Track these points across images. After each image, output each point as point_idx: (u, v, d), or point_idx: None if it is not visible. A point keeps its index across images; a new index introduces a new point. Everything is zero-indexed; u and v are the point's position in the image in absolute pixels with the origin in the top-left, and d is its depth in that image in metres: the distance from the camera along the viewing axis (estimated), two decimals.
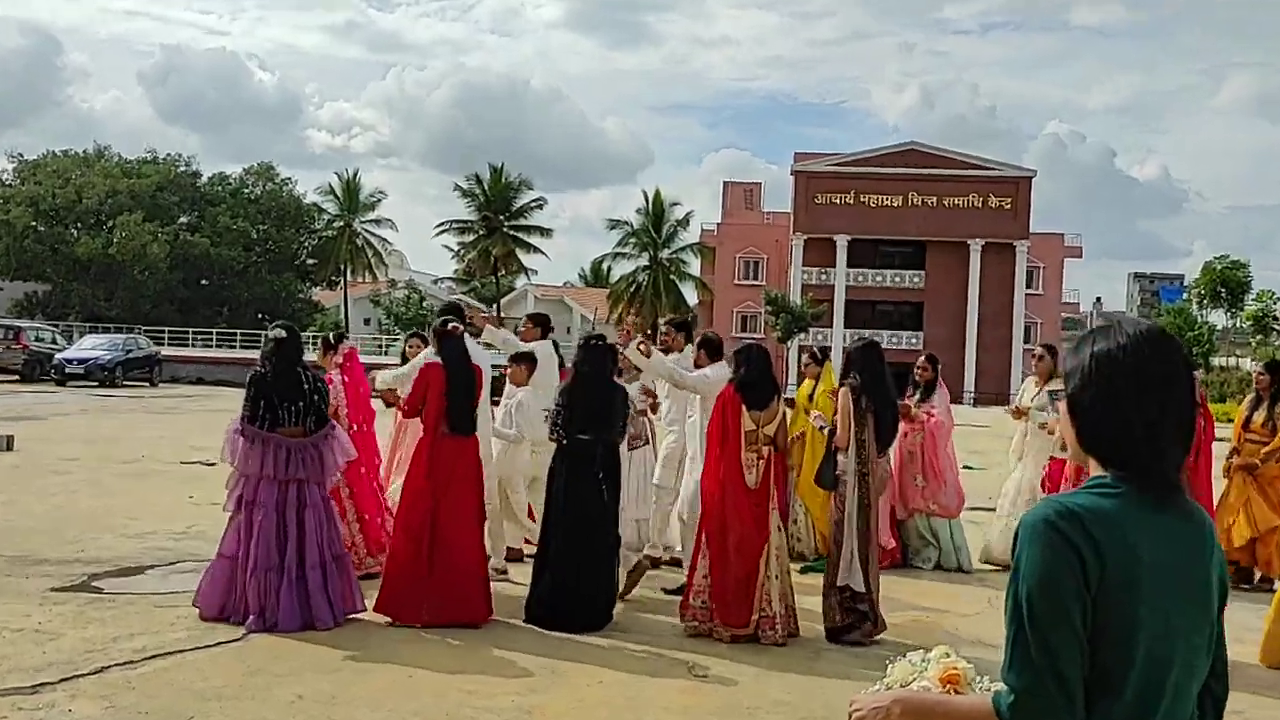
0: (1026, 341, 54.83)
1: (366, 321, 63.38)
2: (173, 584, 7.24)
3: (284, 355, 6.57)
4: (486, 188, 59.41)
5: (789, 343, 53.00)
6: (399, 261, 68.57)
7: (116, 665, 5.54)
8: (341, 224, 60.13)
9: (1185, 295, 60.91)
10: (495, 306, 61.64)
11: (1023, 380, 8.71)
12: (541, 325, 8.71)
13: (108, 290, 53.05)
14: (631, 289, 59.20)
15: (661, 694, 5.52)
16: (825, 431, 7.10)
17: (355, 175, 61.40)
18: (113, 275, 52.02)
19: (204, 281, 56.89)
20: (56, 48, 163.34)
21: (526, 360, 7.92)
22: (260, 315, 55.48)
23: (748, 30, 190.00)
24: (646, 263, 59.38)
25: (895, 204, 55.81)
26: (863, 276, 57.14)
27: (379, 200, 61.73)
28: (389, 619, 6.46)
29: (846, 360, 6.93)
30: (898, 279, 57.54)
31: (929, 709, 1.98)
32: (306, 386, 6.50)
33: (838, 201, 56.10)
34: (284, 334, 6.62)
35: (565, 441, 6.75)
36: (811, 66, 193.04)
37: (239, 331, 51.29)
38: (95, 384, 28.32)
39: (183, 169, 58.36)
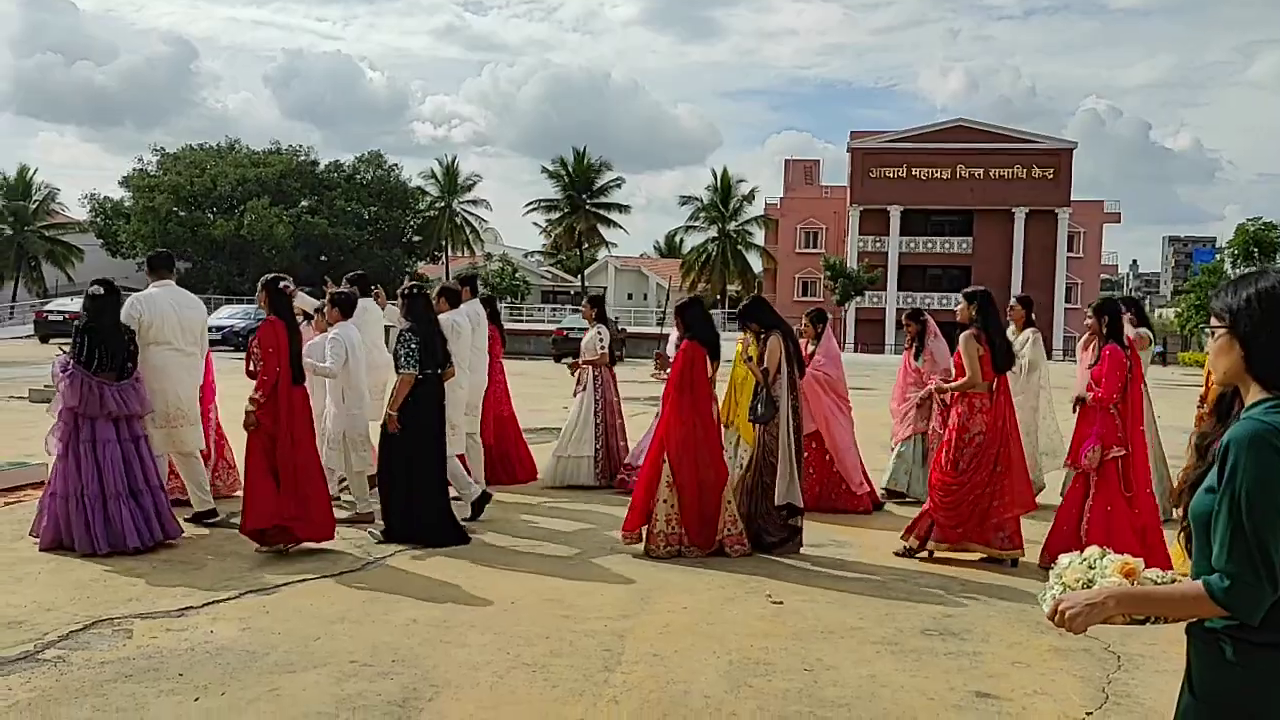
0: (1068, 301, 58.03)
1: None
2: None
3: (108, 309, 7.13)
4: (571, 170, 64.04)
5: (846, 305, 56.78)
6: (494, 238, 72.65)
7: (252, 592, 6.09)
8: (442, 205, 64.14)
9: (1218, 256, 61.94)
10: (580, 276, 66.70)
11: (1018, 331, 9.46)
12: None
13: (240, 267, 56.01)
14: (702, 259, 63.41)
15: (742, 619, 5.87)
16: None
17: (454, 161, 65.53)
18: (244, 254, 55.08)
19: (323, 258, 58.28)
20: (192, 54, 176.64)
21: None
22: (372, 286, 58.93)
23: (809, 21, 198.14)
24: (715, 235, 63.37)
25: (944, 176, 59.03)
26: (914, 244, 60.49)
27: (475, 183, 66.01)
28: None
29: (753, 313, 7.81)
30: (947, 245, 60.68)
31: (1144, 598, 2.22)
32: (126, 337, 7.16)
33: (891, 175, 59.65)
34: (102, 290, 7.13)
35: (421, 377, 7.58)
36: (866, 54, 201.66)
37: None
38: (231, 349, 28.85)
39: (303, 158, 61.33)
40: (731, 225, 63.53)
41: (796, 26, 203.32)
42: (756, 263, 65.49)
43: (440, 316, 8.31)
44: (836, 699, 4.77)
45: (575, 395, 10.15)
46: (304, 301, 8.90)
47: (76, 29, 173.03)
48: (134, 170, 59.93)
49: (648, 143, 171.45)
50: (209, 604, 5.84)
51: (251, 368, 7.13)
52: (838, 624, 5.87)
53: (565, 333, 32.79)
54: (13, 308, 52.46)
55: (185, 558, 6.88)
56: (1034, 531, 7.73)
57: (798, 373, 7.57)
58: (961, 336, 7.28)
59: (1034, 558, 7.35)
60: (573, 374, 10.35)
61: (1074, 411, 7.28)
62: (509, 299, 62.40)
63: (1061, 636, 5.14)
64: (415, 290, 7.91)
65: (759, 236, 65.35)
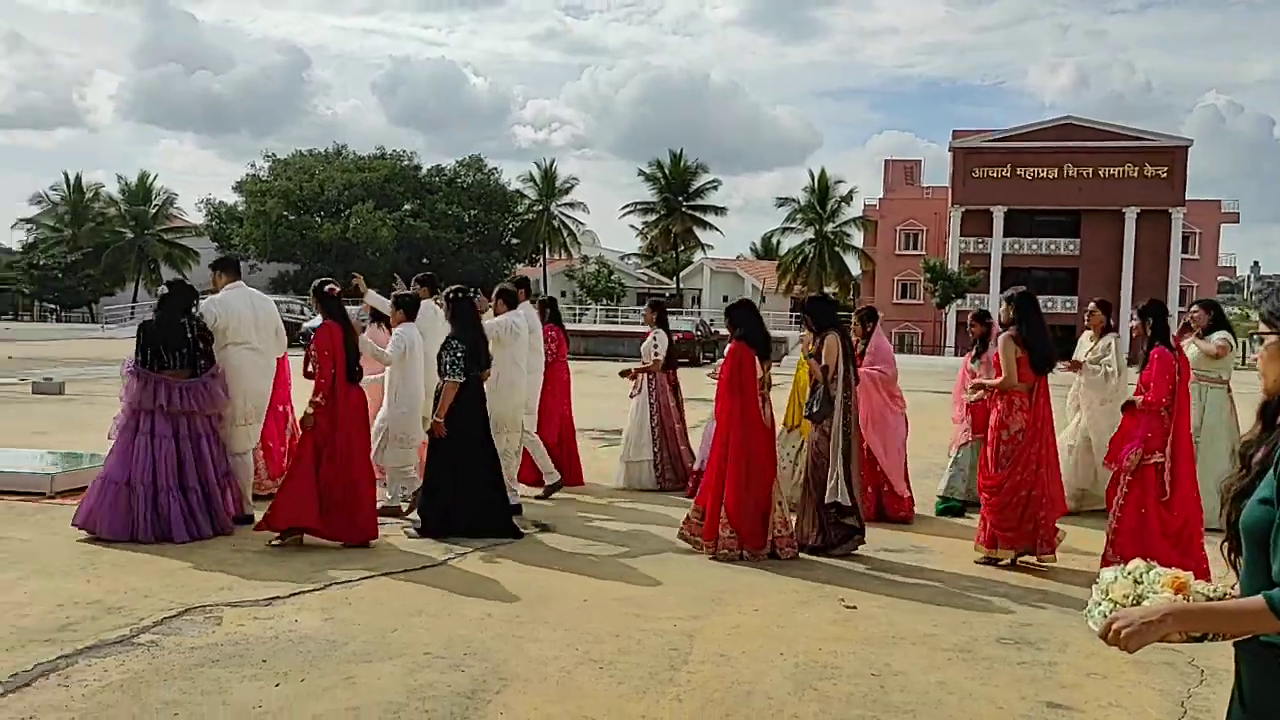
0: (1181, 305, 54.10)
1: (563, 294, 68.07)
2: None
3: (169, 308, 7.36)
4: (667, 172, 64.95)
5: (947, 308, 56.04)
6: (591, 240, 74.21)
7: (336, 584, 6.29)
8: (541, 208, 65.99)
9: None
10: (675, 278, 67.14)
11: (1096, 337, 9.45)
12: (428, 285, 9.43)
13: (346, 269, 53.69)
14: (798, 260, 63.37)
15: (814, 623, 5.85)
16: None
17: (552, 165, 67.47)
18: (350, 256, 55.34)
19: (425, 260, 59.26)
20: (305, 62, 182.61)
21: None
22: (472, 289, 60.25)
23: (910, 20, 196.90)
24: (812, 236, 63.22)
25: (1051, 175, 57.21)
26: (1018, 245, 58.73)
27: (573, 186, 67.82)
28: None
29: (808, 311, 7.97)
30: (1053, 247, 58.94)
31: (1204, 614, 2.10)
32: (191, 335, 7.33)
33: (994, 175, 57.97)
34: (167, 289, 7.51)
35: (465, 379, 7.65)
36: (970, 51, 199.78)
37: None
38: None
39: (406, 163, 63.16)
40: (829, 227, 63.28)
41: (898, 25, 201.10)
42: (854, 265, 65.06)
43: (499, 319, 8.44)
44: (901, 704, 4.75)
45: (631, 397, 10.34)
46: (377, 301, 9.09)
47: (196, 39, 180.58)
48: (247, 175, 62.32)
49: (746, 144, 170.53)
50: (295, 594, 6.07)
51: (310, 369, 7.32)
52: (910, 630, 5.83)
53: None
54: (133, 308, 54.91)
55: (275, 550, 7.15)
56: (1090, 542, 7.55)
57: (853, 373, 7.62)
58: (1000, 338, 7.36)
59: (1083, 565, 7.18)
60: (625, 378, 10.47)
61: (1123, 413, 7.23)
62: (605, 301, 63.15)
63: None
64: (459, 295, 7.89)
65: (857, 238, 64.89)
